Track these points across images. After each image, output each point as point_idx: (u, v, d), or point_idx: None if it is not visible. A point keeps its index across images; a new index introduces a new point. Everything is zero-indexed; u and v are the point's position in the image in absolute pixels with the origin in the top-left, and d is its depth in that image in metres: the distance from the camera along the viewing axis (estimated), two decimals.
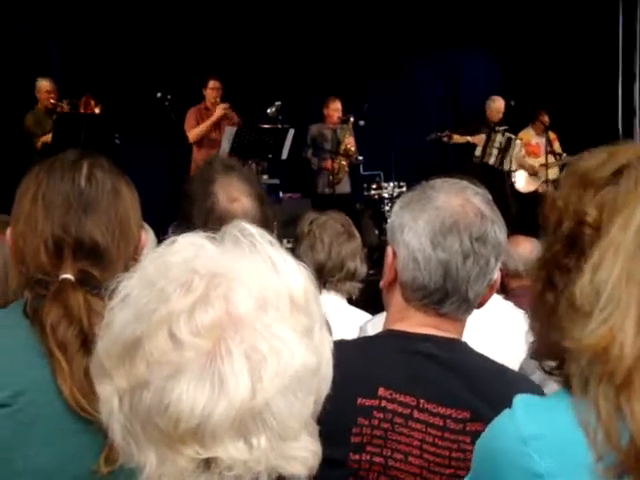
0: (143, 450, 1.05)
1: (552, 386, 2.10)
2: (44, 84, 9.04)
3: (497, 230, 1.80)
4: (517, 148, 9.90)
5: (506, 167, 9.82)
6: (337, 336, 2.68)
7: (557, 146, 10.23)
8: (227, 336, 1.03)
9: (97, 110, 8.92)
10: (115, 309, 1.09)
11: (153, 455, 1.04)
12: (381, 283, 1.89)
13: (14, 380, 1.60)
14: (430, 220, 1.78)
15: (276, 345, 1.04)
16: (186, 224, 2.21)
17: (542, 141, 10.15)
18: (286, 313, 1.07)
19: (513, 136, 9.89)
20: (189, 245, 1.11)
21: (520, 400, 1.24)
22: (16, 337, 1.65)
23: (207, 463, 1.03)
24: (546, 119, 10.13)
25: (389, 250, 1.84)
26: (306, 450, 1.09)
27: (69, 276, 1.65)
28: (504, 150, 9.77)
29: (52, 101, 8.93)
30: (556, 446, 1.10)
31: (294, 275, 1.11)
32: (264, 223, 2.24)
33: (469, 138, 9.85)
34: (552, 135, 10.15)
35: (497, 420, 1.28)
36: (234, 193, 2.27)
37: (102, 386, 1.08)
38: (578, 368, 0.69)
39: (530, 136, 10.31)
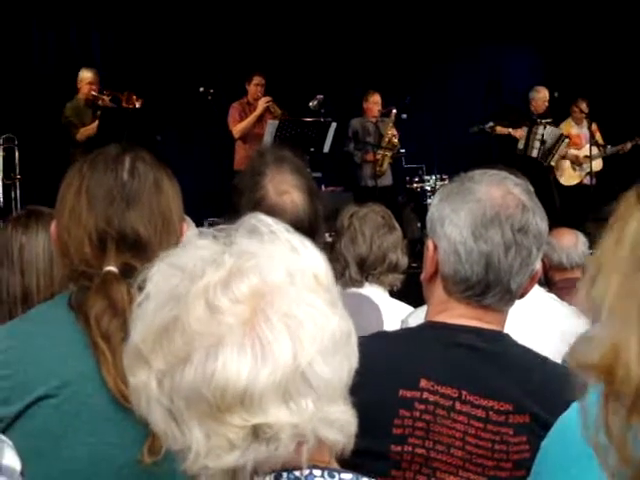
0: (188, 428, 1.06)
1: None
2: (87, 75, 8.89)
3: (538, 220, 1.79)
4: (563, 146, 9.80)
5: (549, 161, 9.72)
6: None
7: (599, 137, 10.09)
8: (264, 303, 1.06)
9: (138, 104, 8.81)
10: (147, 297, 1.11)
11: (198, 431, 1.05)
12: (422, 276, 1.89)
13: (60, 371, 1.62)
14: (471, 212, 1.77)
15: (310, 311, 1.08)
16: (234, 216, 2.15)
17: (583, 132, 10.03)
18: (313, 287, 1.11)
19: (564, 133, 9.79)
20: (210, 235, 1.15)
21: None
22: (61, 329, 1.67)
23: (255, 431, 1.05)
24: (583, 107, 9.99)
25: (429, 243, 1.83)
26: (346, 414, 1.11)
27: (113, 268, 1.67)
28: (548, 143, 9.67)
29: (93, 93, 8.78)
30: None
31: (315, 256, 1.15)
32: (314, 217, 2.23)
33: (510, 131, 9.77)
34: (593, 126, 10.02)
35: (574, 408, 1.19)
36: (284, 186, 2.22)
37: (137, 376, 1.10)
38: (581, 386, 0.66)
39: (570, 127, 10.17)
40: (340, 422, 1.10)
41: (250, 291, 1.06)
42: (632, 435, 0.61)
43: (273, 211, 2.11)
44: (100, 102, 8.77)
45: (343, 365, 1.11)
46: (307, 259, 1.13)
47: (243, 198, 2.23)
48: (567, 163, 10.10)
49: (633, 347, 0.60)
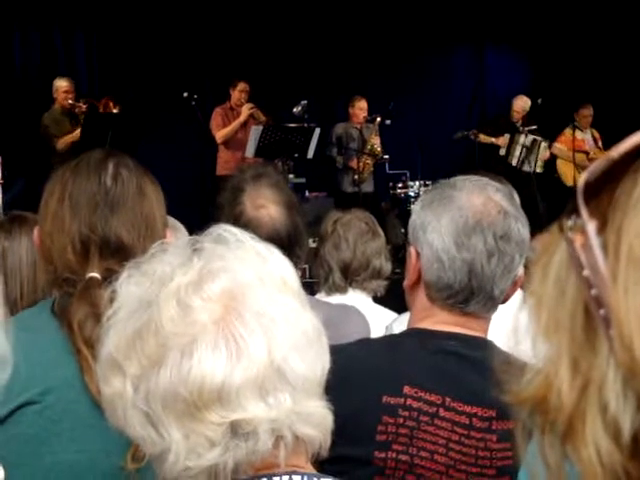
0: (166, 430, 1.06)
1: None
2: (62, 84, 8.90)
3: (520, 227, 1.79)
4: (542, 150, 9.84)
5: (526, 168, 9.75)
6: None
7: (600, 145, 10.16)
8: (236, 302, 1.07)
9: (115, 110, 8.76)
10: (118, 306, 1.11)
11: (177, 432, 1.06)
12: (404, 283, 1.89)
13: (43, 378, 1.62)
14: (453, 220, 1.77)
15: (282, 309, 1.10)
16: None
17: (587, 137, 10.13)
18: (282, 289, 1.12)
19: (539, 138, 9.84)
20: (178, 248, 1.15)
21: None
22: (45, 335, 1.67)
23: (233, 428, 1.05)
24: (585, 113, 10.17)
25: (412, 250, 1.83)
26: (322, 408, 1.13)
27: (96, 274, 1.67)
28: (528, 151, 9.72)
29: (70, 101, 8.80)
30: None
31: (282, 262, 1.17)
32: (293, 230, 2.26)
33: (493, 140, 9.83)
34: (596, 134, 10.13)
35: None
36: (261, 200, 2.27)
37: (111, 384, 1.10)
38: (520, 421, 0.68)
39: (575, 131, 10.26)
40: (316, 417, 1.12)
41: (222, 290, 1.07)
42: (568, 465, 0.62)
43: (251, 225, 2.14)
44: (77, 110, 8.77)
45: (317, 361, 1.13)
46: (274, 264, 1.15)
47: (222, 214, 2.28)
48: (571, 165, 10.13)
49: (564, 375, 0.62)
